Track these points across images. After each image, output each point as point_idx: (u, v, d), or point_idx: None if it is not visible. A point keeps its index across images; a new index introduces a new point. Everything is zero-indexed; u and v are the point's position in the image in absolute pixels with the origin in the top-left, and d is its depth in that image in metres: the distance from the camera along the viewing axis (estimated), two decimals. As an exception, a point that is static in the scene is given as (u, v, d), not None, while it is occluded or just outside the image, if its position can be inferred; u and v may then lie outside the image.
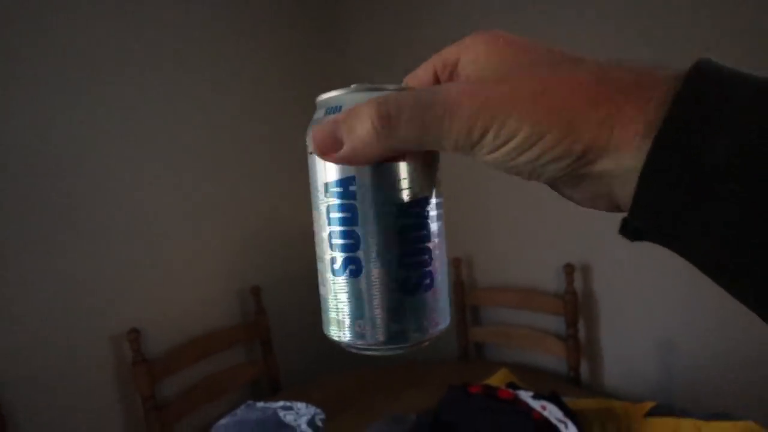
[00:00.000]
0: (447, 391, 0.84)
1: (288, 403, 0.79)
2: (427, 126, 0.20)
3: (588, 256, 1.58)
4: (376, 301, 0.23)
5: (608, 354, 1.63)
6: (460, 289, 1.77)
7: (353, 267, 0.24)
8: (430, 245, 0.24)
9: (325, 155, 0.22)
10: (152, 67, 1.46)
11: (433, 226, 0.25)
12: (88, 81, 1.32)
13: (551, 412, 0.79)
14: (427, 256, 0.24)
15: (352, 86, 0.24)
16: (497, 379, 1.05)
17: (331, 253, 0.24)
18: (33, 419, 1.22)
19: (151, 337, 1.42)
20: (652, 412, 0.84)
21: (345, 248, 0.24)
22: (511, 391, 0.80)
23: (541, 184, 0.23)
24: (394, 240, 0.23)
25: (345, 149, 0.21)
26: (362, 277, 0.23)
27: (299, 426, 0.74)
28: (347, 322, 0.24)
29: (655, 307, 1.51)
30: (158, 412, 1.35)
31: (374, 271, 0.23)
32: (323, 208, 0.24)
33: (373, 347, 0.24)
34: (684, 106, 0.17)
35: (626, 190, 0.19)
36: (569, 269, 1.52)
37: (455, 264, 1.78)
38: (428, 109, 0.20)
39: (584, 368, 1.63)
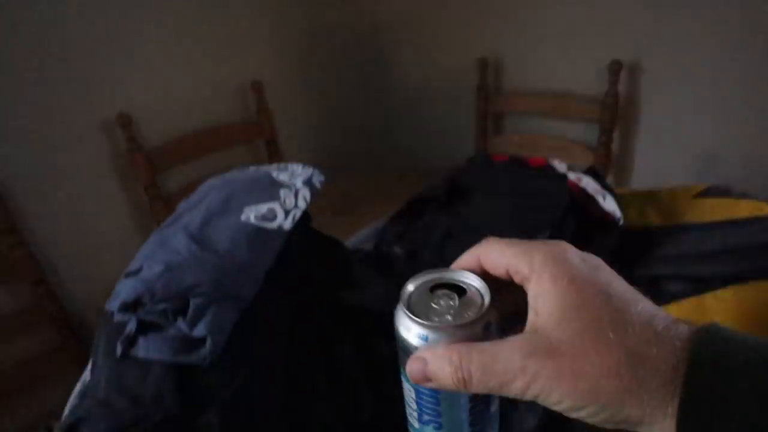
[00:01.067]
0: (465, 162, 0.72)
1: (282, 164, 0.69)
2: (491, 388, 0.25)
3: (639, 51, 1.35)
4: None
5: (640, 167, 1.51)
6: (483, 93, 1.59)
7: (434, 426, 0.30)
8: (491, 416, 0.30)
9: (418, 383, 0.28)
10: None
11: (495, 403, 0.30)
12: None
13: (587, 183, 0.68)
14: (489, 427, 0.31)
15: (436, 319, 0.28)
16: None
17: (415, 415, 0.31)
18: (41, 214, 1.19)
19: (148, 127, 1.32)
20: (703, 194, 0.73)
21: (427, 419, 0.30)
22: (542, 158, 0.68)
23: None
24: (464, 421, 0.29)
25: (432, 385, 0.27)
26: None
27: (294, 185, 0.64)
28: None
29: (702, 118, 1.34)
30: (162, 202, 1.31)
31: None
32: (411, 385, 0.29)
33: None
34: (696, 395, 0.21)
35: None
36: (615, 67, 1.31)
37: (480, 65, 1.57)
38: (492, 377, 0.25)
39: (610, 182, 1.53)
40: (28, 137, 1.14)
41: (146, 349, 0.49)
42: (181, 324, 0.49)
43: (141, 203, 1.36)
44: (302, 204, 0.61)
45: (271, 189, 0.62)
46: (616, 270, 0.27)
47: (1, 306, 1.16)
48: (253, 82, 1.49)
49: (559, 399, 0.23)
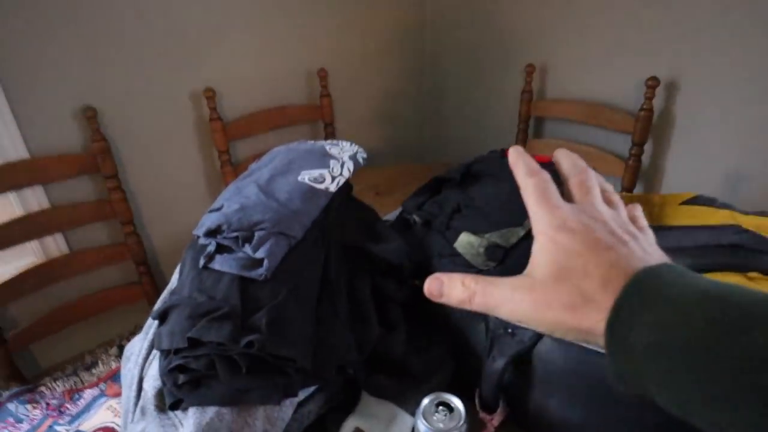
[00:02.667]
0: (484, 154, 0.86)
1: (335, 141, 0.86)
2: (487, 309, 0.34)
3: (678, 70, 1.43)
4: None
5: (669, 180, 1.58)
6: (527, 97, 1.70)
7: None
8: None
9: (432, 297, 0.36)
10: None
11: None
12: None
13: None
14: None
15: (435, 421, 0.53)
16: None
17: None
18: (135, 166, 1.42)
19: (228, 101, 1.54)
20: (691, 202, 0.84)
21: None
22: (548, 156, 0.81)
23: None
24: None
25: (444, 300, 0.36)
26: None
27: (342, 158, 0.81)
28: None
29: (736, 137, 1.39)
30: (231, 167, 1.52)
31: None
32: None
33: None
34: (619, 312, 0.28)
35: None
36: (652, 82, 1.40)
37: (528, 71, 1.68)
38: (489, 299, 0.33)
39: (638, 191, 1.61)
40: (133, 101, 1.38)
41: (221, 263, 0.67)
42: (248, 248, 0.66)
43: (213, 167, 1.58)
44: (346, 173, 0.78)
45: (323, 159, 0.79)
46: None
47: (97, 237, 1.41)
48: (319, 69, 1.67)
49: (534, 326, 0.32)
